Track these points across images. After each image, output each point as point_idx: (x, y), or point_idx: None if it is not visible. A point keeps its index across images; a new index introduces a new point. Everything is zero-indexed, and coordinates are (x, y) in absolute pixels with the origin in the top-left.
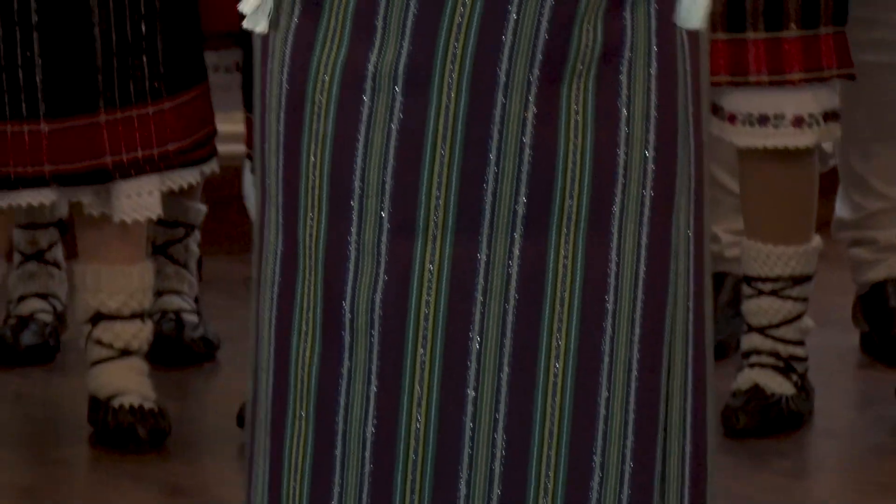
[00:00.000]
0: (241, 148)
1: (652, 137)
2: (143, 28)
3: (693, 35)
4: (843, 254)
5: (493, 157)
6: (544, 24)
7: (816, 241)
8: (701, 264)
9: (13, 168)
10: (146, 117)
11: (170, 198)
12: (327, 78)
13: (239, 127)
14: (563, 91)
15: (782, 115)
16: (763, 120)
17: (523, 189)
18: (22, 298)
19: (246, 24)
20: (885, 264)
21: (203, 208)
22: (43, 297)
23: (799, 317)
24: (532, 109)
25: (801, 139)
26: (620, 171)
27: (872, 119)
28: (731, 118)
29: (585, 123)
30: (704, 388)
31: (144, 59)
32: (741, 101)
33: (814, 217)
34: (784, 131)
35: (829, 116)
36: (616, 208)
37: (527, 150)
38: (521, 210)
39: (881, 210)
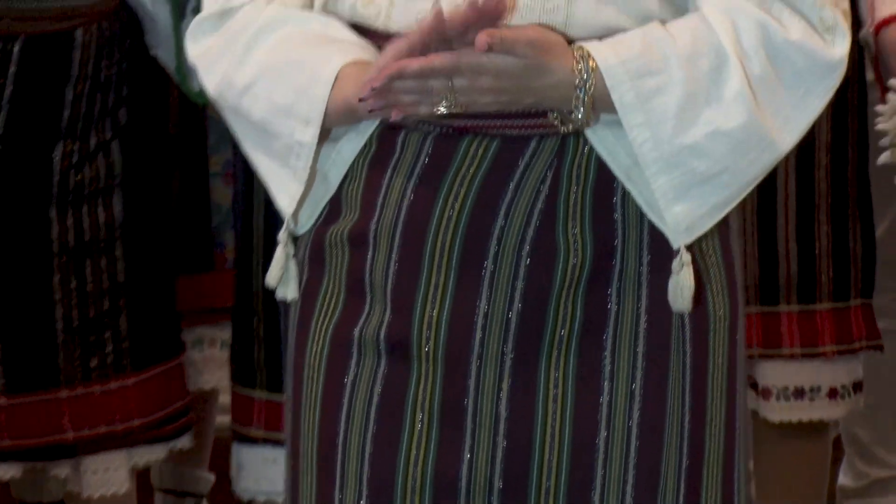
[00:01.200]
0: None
1: (636, 416)
2: (107, 304)
3: (700, 316)
4: None
5: (469, 427)
6: (517, 301)
7: None
8: None
9: None
10: (109, 393)
11: (179, 468)
12: (320, 342)
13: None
14: (540, 364)
15: (818, 387)
16: (799, 393)
17: (499, 463)
18: None
19: (278, 295)
20: None
21: (211, 478)
22: None
23: None
24: (507, 381)
25: (835, 411)
26: (601, 448)
27: (876, 387)
28: (766, 393)
29: (565, 397)
30: None
31: (108, 334)
32: (776, 375)
33: (826, 486)
34: (819, 404)
35: (857, 387)
36: (596, 486)
37: (502, 422)
38: (497, 483)
39: (885, 478)
